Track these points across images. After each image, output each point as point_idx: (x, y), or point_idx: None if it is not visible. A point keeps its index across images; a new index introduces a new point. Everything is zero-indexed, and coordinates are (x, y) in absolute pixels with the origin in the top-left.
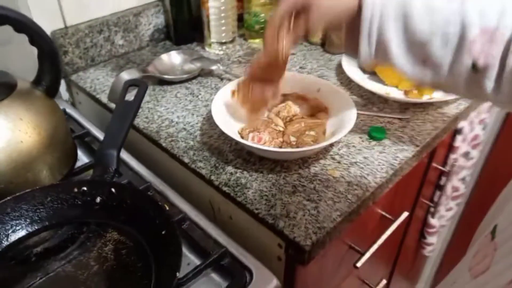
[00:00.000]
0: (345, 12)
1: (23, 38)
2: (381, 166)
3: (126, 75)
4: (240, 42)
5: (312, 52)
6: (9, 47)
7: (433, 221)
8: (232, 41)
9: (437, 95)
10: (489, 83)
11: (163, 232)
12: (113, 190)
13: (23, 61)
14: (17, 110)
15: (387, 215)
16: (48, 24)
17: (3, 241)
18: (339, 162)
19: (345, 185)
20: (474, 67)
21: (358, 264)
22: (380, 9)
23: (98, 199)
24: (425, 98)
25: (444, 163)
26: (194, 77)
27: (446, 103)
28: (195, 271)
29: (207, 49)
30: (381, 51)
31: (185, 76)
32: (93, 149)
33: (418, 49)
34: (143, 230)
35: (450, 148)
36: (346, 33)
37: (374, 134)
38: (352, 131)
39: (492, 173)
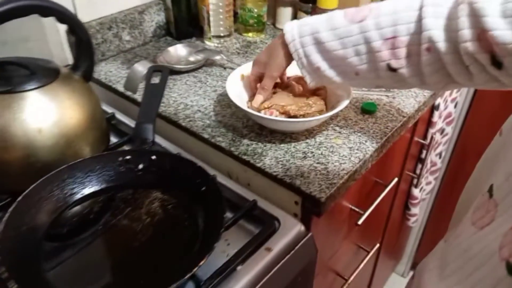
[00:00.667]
0: (286, 57)
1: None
2: (376, 134)
3: (139, 66)
4: (236, 36)
5: None
6: (29, 44)
7: (416, 191)
8: (229, 35)
9: None
10: (410, 79)
11: (203, 189)
12: (153, 157)
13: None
14: (64, 91)
15: (380, 181)
16: None
17: (62, 204)
18: (340, 132)
19: (348, 150)
20: (390, 68)
21: (359, 222)
22: (301, 46)
23: (140, 166)
24: None
25: (424, 138)
26: (200, 67)
27: None
28: (231, 221)
29: (206, 42)
30: (321, 76)
31: (192, 66)
32: (120, 130)
33: (345, 67)
34: (184, 189)
35: (429, 123)
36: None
37: (367, 108)
38: (347, 107)
39: (464, 148)
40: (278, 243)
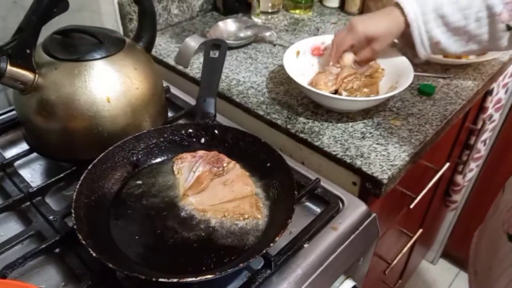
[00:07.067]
0: (397, 34)
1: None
2: (435, 116)
3: (191, 41)
4: (283, 13)
5: None
6: (83, 13)
7: (459, 178)
8: (277, 12)
9: (473, 57)
10: None
11: (268, 165)
12: (216, 131)
13: None
14: (131, 61)
15: (432, 166)
16: None
17: (128, 174)
18: (397, 114)
19: (407, 131)
20: (509, 28)
21: (411, 206)
22: (423, 24)
23: (202, 140)
24: (463, 60)
25: (474, 123)
26: (249, 43)
27: (483, 64)
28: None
29: (254, 18)
30: (436, 49)
31: (242, 42)
32: (175, 104)
33: (461, 36)
34: (248, 165)
35: (480, 108)
36: (402, 42)
37: (424, 89)
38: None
39: (508, 135)
40: (344, 222)
